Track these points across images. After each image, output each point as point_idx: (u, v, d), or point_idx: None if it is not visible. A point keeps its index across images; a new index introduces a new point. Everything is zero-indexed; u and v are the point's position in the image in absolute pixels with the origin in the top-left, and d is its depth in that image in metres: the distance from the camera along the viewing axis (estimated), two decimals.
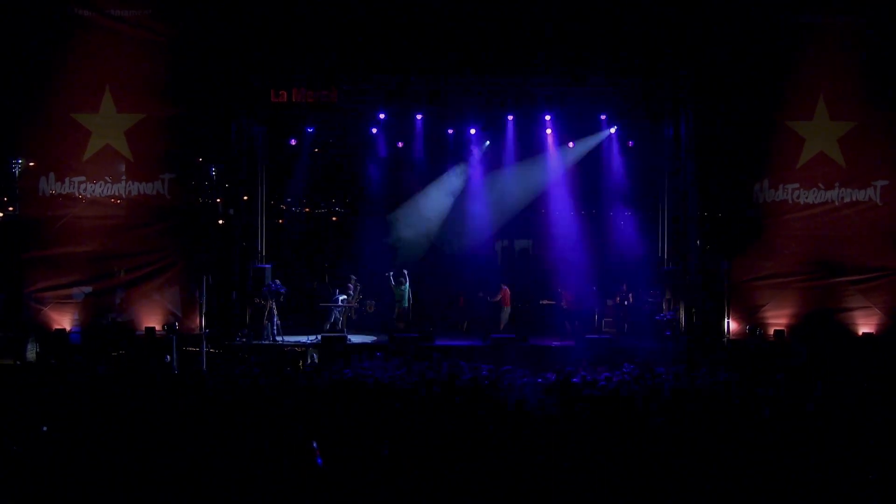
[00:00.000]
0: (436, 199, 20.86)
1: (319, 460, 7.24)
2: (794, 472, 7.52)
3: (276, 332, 16.79)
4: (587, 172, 20.00)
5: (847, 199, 15.68)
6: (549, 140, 19.37)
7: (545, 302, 19.29)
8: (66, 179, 15.68)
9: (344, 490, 7.01)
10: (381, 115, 18.29)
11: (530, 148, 19.86)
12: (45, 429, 8.93)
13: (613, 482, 7.14)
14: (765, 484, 7.31)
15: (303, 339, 16.77)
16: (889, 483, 7.30)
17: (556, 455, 7.54)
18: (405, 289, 18.55)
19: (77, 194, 15.71)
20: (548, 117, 18.54)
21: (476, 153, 20.19)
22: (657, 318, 17.13)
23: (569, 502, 6.99)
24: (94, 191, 15.74)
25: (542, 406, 9.38)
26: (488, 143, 19.99)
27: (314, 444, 7.40)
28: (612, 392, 10.43)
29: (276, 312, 16.85)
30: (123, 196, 15.82)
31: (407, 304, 18.63)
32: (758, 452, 7.92)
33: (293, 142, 18.99)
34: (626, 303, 18.28)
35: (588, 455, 7.60)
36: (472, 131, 19.59)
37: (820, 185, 15.71)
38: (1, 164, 15.70)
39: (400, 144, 19.66)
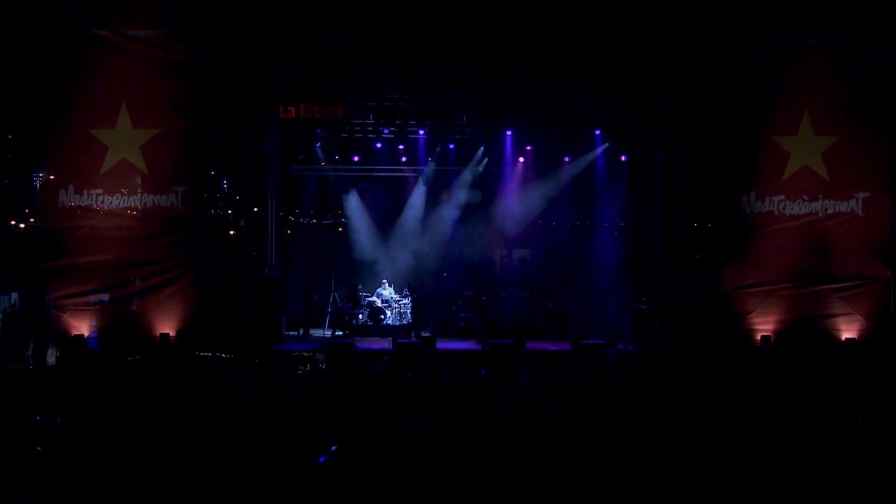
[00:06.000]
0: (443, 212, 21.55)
1: (322, 458, 7.49)
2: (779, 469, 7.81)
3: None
4: (582, 186, 20.62)
5: (830, 211, 16.16)
6: (546, 155, 20.00)
7: (542, 308, 19.76)
8: (85, 192, 16.00)
9: None
10: (385, 131, 18.71)
11: (528, 162, 20.47)
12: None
13: None
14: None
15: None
16: (873, 483, 7.51)
17: None
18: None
19: (95, 206, 16.02)
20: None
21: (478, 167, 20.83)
22: (651, 324, 17.67)
23: None
24: (110, 203, 16.06)
25: None
26: (487, 159, 20.58)
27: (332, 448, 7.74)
28: None
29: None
30: (139, 208, 16.16)
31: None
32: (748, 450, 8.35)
33: (301, 156, 19.57)
34: (618, 309, 18.89)
35: None
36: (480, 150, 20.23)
37: (804, 197, 16.19)
38: (22, 177, 16.17)
39: (404, 159, 20.10)
